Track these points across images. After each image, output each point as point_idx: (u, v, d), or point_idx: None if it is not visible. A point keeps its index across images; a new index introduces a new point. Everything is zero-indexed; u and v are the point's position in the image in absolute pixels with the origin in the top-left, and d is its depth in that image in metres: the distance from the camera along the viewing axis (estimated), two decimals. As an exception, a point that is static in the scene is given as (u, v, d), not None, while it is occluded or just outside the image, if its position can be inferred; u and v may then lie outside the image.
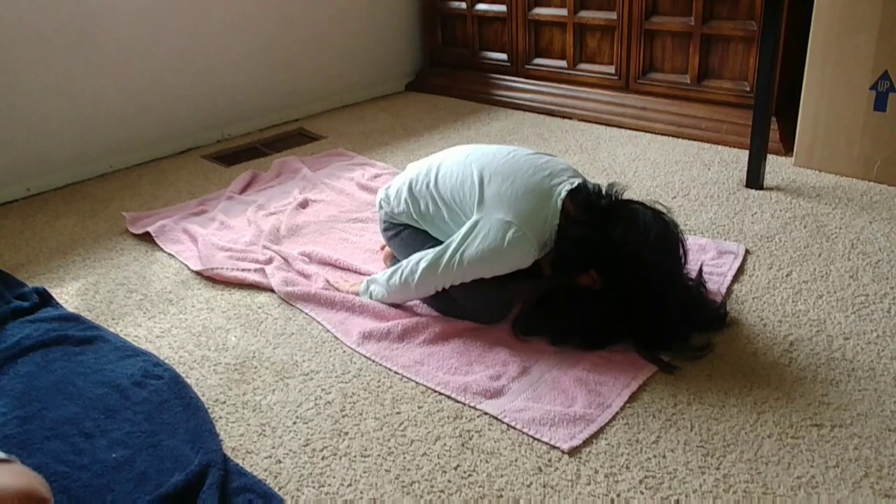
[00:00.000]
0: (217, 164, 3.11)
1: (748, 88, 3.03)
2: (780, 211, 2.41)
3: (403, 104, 3.91)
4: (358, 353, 1.76)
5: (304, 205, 2.61)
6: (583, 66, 3.55)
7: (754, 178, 2.61)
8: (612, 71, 3.44)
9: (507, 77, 3.84)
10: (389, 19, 4.02)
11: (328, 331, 1.86)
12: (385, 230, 2.00)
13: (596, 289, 1.69)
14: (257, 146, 3.31)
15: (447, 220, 1.83)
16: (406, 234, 1.93)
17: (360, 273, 2.11)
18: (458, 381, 1.61)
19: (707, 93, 3.17)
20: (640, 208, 1.71)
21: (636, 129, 3.30)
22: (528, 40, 3.71)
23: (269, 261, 2.17)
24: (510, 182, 1.74)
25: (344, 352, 1.78)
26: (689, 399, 1.55)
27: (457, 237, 1.74)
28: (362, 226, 2.44)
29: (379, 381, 1.66)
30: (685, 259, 1.71)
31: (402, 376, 1.67)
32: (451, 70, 4.08)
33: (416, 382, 1.64)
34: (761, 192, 2.57)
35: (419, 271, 1.78)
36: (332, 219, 2.49)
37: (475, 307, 1.82)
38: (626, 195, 1.76)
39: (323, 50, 3.74)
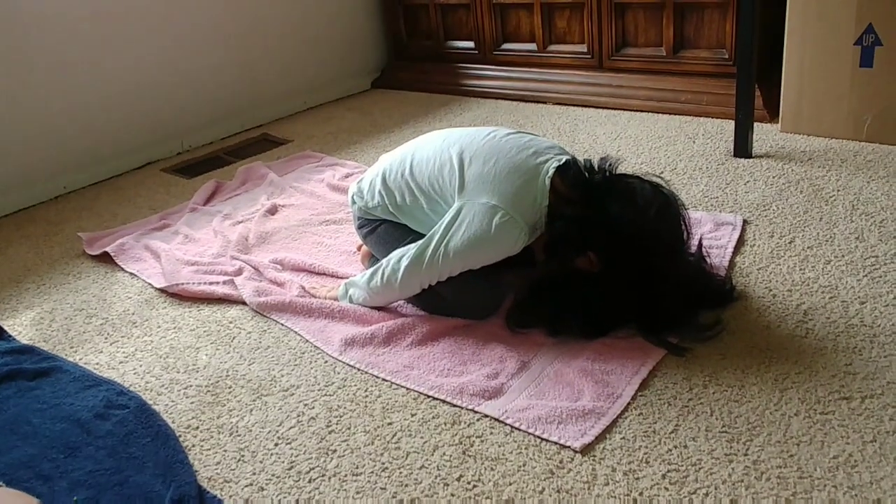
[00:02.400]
0: (178, 176, 2.96)
1: (727, 56, 2.93)
2: (773, 178, 2.30)
3: (370, 102, 3.77)
4: (341, 361, 1.62)
5: (272, 211, 2.46)
6: (553, 47, 3.43)
7: (742, 147, 2.50)
8: (584, 50, 3.32)
9: (475, 66, 3.72)
10: (350, 16, 3.88)
11: (307, 341, 1.71)
12: (360, 227, 1.85)
13: (594, 271, 1.56)
14: (220, 155, 3.15)
15: (427, 211, 1.69)
16: (383, 230, 1.79)
17: (337, 277, 1.96)
18: (452, 384, 1.47)
19: (684, 64, 3.06)
20: (636, 182, 1.58)
21: (614, 108, 3.18)
22: (494, 26, 3.58)
23: (239, 271, 2.02)
24: (493, 163, 1.61)
25: (325, 362, 1.63)
26: (705, 381, 1.42)
27: (439, 228, 1.60)
28: (336, 227, 2.30)
29: (366, 391, 1.52)
30: (688, 233, 1.59)
31: (391, 383, 1.53)
32: (417, 63, 3.95)
33: (407, 388, 1.50)
34: (751, 160, 2.46)
35: (402, 269, 1.64)
36: (304, 223, 2.34)
37: (464, 302, 1.68)
38: (620, 169, 1.63)
39: (283, 52, 3.59)
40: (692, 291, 1.61)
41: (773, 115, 2.78)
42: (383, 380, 1.54)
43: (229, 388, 1.58)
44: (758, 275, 1.78)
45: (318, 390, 1.53)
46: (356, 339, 1.65)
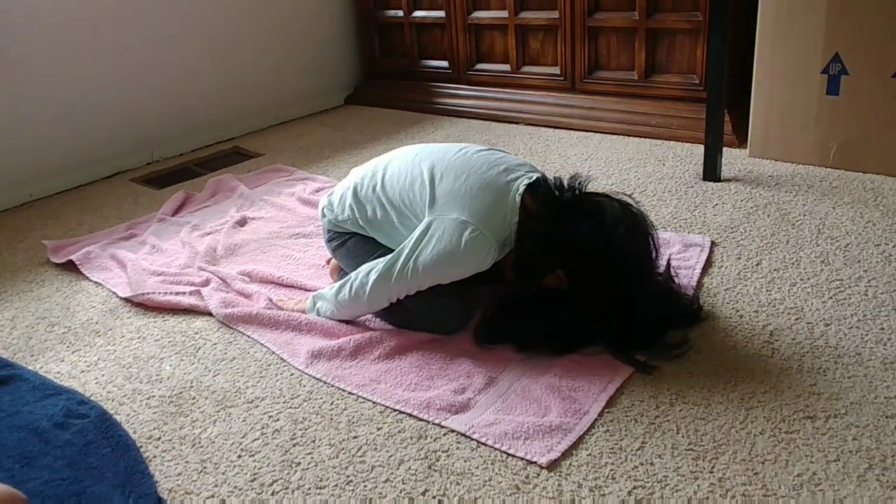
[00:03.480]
0: (148, 186, 2.93)
1: (697, 81, 2.97)
2: (741, 201, 2.33)
3: (343, 118, 3.77)
4: (307, 374, 1.60)
5: (242, 223, 2.44)
6: (527, 68, 3.46)
7: (711, 171, 2.53)
8: (557, 72, 3.35)
9: (449, 85, 3.73)
10: (324, 31, 3.88)
11: (273, 353, 1.69)
12: (329, 240, 1.84)
13: (563, 289, 1.57)
14: (190, 167, 3.13)
15: (397, 226, 1.69)
16: (353, 244, 1.78)
17: (305, 290, 1.95)
18: (419, 398, 1.46)
19: (655, 88, 3.09)
20: (605, 200, 1.60)
21: (585, 130, 3.20)
22: (468, 45, 3.60)
23: (206, 282, 2.00)
24: (463, 179, 1.61)
25: (292, 374, 1.61)
26: (672, 400, 1.43)
27: (409, 242, 1.60)
28: (306, 241, 2.28)
29: (332, 404, 1.50)
30: (657, 253, 1.60)
31: (357, 396, 1.51)
32: (390, 81, 3.96)
33: (373, 402, 1.49)
34: (719, 184, 2.49)
35: (370, 283, 1.63)
36: (274, 235, 2.33)
37: (433, 317, 1.67)
38: (590, 188, 1.64)
39: (257, 66, 3.58)
40: (660, 310, 1.62)
41: (741, 140, 2.82)
42: (349, 393, 1.53)
43: (193, 399, 1.55)
44: (725, 295, 1.79)
45: (283, 403, 1.52)
46: (323, 352, 1.64)
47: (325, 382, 1.57)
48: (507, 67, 3.52)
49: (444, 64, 3.73)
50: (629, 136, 3.08)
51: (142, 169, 3.13)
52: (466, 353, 1.61)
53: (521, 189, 1.60)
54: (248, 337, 1.76)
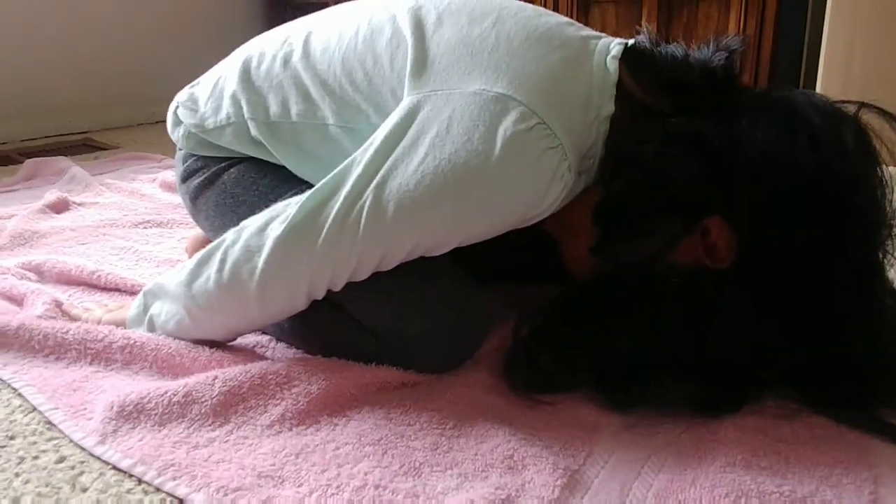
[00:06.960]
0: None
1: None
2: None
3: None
4: (102, 461, 0.65)
5: (59, 207, 1.48)
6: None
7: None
8: (532, 59, 2.58)
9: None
10: (223, 16, 3.03)
11: (35, 409, 0.73)
12: (187, 176, 0.89)
13: (716, 268, 0.69)
14: (13, 155, 2.14)
15: (333, 132, 0.78)
16: (233, 179, 0.85)
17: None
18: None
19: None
20: (785, 94, 0.75)
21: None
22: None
23: (-57, 277, 1.03)
24: (490, 23, 0.75)
25: (67, 461, 0.65)
26: None
27: (366, 150, 0.70)
28: (161, 231, 1.35)
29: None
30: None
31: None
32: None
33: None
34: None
35: (269, 246, 0.71)
36: (107, 223, 1.37)
37: (414, 332, 0.75)
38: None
39: (131, 48, 2.65)
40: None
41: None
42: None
43: None
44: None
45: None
46: (148, 406, 0.69)
47: (146, 484, 0.61)
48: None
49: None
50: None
51: (-65, 154, 2.13)
52: (495, 412, 0.69)
53: (615, 52, 0.73)
54: (-9, 377, 0.79)
